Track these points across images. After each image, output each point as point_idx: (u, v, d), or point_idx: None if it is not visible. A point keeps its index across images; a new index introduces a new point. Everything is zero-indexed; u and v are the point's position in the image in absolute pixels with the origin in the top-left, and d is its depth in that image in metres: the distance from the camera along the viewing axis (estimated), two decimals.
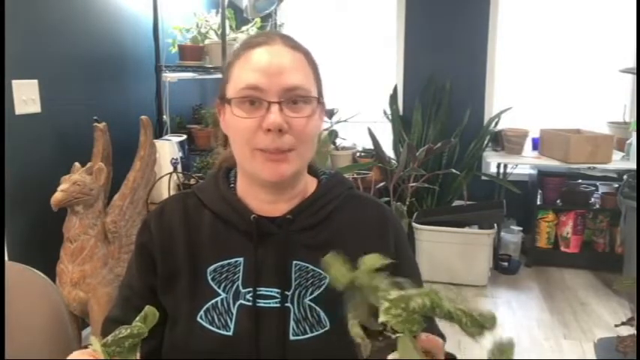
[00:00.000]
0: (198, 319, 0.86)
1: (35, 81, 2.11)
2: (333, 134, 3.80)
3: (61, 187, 1.97)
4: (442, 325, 2.64)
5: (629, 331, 2.28)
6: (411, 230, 3.38)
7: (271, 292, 0.86)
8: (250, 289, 0.86)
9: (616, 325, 2.47)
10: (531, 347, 2.67)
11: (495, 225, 3.47)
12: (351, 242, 0.88)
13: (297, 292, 0.86)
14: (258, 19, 3.21)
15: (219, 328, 0.85)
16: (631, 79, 3.73)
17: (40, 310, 1.10)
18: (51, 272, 2.02)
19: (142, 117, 2.32)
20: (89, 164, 2.10)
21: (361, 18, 4.13)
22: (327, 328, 0.85)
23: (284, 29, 3.94)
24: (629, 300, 2.87)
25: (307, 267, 0.87)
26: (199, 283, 0.88)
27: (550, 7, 3.86)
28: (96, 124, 2.15)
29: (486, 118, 3.95)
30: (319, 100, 0.88)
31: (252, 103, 0.82)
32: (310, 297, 0.86)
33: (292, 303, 0.85)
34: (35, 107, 2.11)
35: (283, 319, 0.84)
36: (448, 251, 3.37)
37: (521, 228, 3.82)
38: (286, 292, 0.86)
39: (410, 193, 2.88)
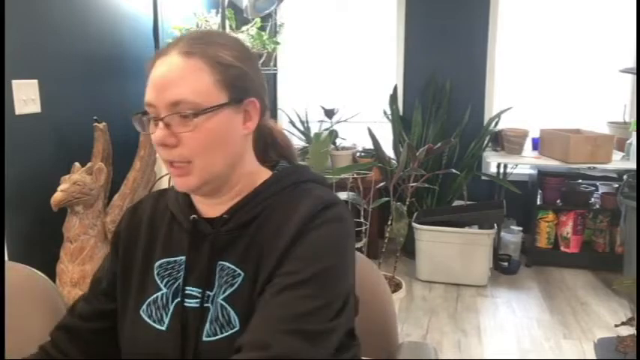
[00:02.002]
0: (141, 312, 0.89)
1: (35, 81, 2.10)
2: (333, 134, 3.80)
3: (61, 187, 1.97)
4: (442, 323, 2.66)
5: (629, 331, 2.28)
6: (411, 230, 3.38)
7: (194, 291, 0.87)
8: (187, 287, 0.88)
9: (616, 325, 2.47)
10: (531, 347, 2.67)
11: (495, 225, 3.46)
12: (266, 242, 0.84)
13: (216, 292, 0.85)
14: (258, 19, 3.21)
15: (155, 322, 0.87)
16: (631, 79, 3.73)
17: (40, 310, 1.10)
18: (51, 272, 2.02)
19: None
20: (89, 164, 2.10)
21: (361, 18, 4.13)
22: (236, 329, 0.82)
23: (284, 29, 3.94)
24: (629, 300, 2.87)
25: (228, 266, 0.86)
26: (147, 278, 0.91)
27: (550, 7, 3.86)
28: (96, 124, 2.15)
29: (486, 118, 3.95)
30: (228, 104, 0.83)
31: (153, 118, 0.84)
32: (223, 296, 0.84)
33: (211, 303, 0.85)
34: (35, 107, 2.11)
35: (201, 319, 0.84)
36: (448, 251, 3.37)
37: (521, 228, 3.82)
38: (208, 292, 0.86)
39: (410, 193, 2.88)
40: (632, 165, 3.27)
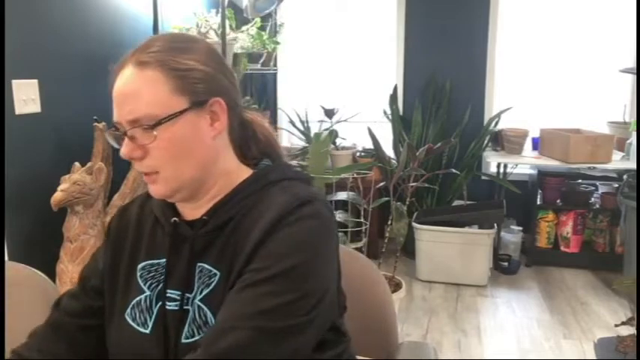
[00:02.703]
0: (126, 315, 0.89)
1: (35, 81, 2.10)
2: (333, 134, 3.80)
3: (61, 186, 1.97)
4: (442, 323, 2.65)
5: (629, 331, 2.28)
6: (411, 230, 3.38)
7: (173, 294, 0.87)
8: (168, 290, 0.87)
9: (616, 325, 2.47)
10: (531, 347, 2.67)
11: (495, 225, 3.46)
12: (240, 241, 0.83)
13: (195, 293, 0.85)
14: (258, 19, 3.21)
15: (139, 325, 0.87)
16: (631, 79, 3.73)
17: (40, 310, 1.10)
18: (51, 272, 2.02)
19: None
20: (89, 164, 2.10)
21: (361, 18, 4.13)
22: None
23: (284, 29, 3.94)
24: (629, 300, 2.87)
25: (205, 267, 0.85)
26: (131, 280, 0.91)
27: (550, 6, 3.86)
28: (96, 124, 2.15)
29: (486, 118, 3.95)
30: (190, 109, 0.82)
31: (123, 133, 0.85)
32: (200, 297, 0.84)
33: (191, 305, 0.85)
34: (35, 107, 2.11)
35: (180, 321, 0.84)
36: (448, 251, 3.37)
37: (521, 228, 3.82)
38: (187, 295, 0.85)
39: (410, 193, 2.88)
40: (632, 165, 3.27)
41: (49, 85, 2.17)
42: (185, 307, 0.85)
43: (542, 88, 3.94)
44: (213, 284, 0.83)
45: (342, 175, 2.98)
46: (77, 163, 2.08)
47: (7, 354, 0.95)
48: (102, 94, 2.72)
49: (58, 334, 0.94)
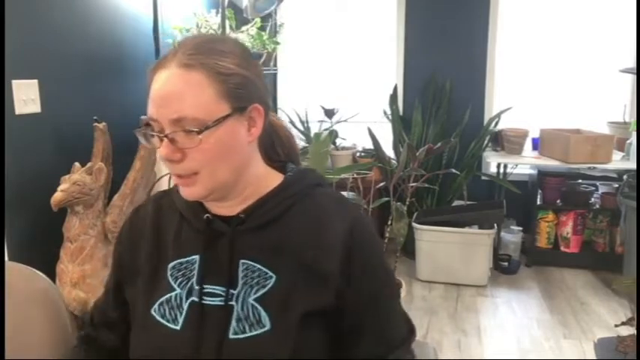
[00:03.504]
0: (152, 311, 0.89)
1: (35, 81, 2.10)
2: (333, 134, 3.80)
3: (61, 187, 1.97)
4: (442, 322, 2.65)
5: (629, 331, 2.28)
6: (411, 230, 3.38)
7: (216, 290, 0.87)
8: (205, 286, 0.88)
9: (616, 325, 2.47)
10: (531, 347, 2.67)
11: (495, 225, 3.47)
12: (301, 247, 0.88)
13: (242, 290, 0.86)
14: (258, 19, 3.21)
15: (168, 321, 0.87)
16: (631, 79, 3.73)
17: (40, 310, 1.10)
18: (51, 272, 2.02)
19: (143, 117, 2.32)
20: (89, 164, 2.10)
21: (361, 18, 4.13)
22: (266, 329, 0.84)
23: (284, 29, 3.94)
24: (629, 300, 2.87)
25: (254, 266, 0.87)
26: (158, 279, 0.92)
27: (550, 6, 3.86)
28: (96, 124, 2.15)
29: (486, 118, 3.95)
30: (231, 115, 0.83)
31: (157, 131, 0.84)
32: (254, 296, 0.86)
33: (237, 302, 0.86)
34: (35, 107, 2.11)
35: (225, 317, 0.85)
36: (448, 251, 3.37)
37: (521, 228, 3.82)
38: (232, 291, 0.86)
39: (410, 193, 2.88)
40: (632, 165, 3.27)
41: (49, 85, 2.17)
42: (230, 303, 0.86)
43: (542, 88, 3.94)
44: (269, 286, 0.86)
45: (342, 176, 2.99)
46: (77, 163, 2.07)
47: (7, 354, 0.95)
48: (102, 94, 2.74)
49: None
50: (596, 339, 2.53)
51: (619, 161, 3.40)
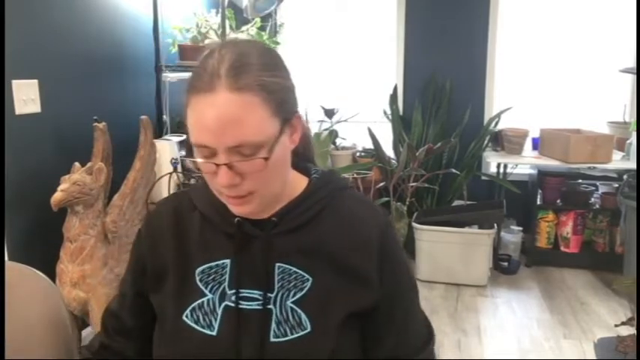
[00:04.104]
0: (184, 317, 0.87)
1: (35, 81, 2.11)
2: (333, 134, 3.80)
3: (61, 187, 1.97)
4: (442, 322, 2.64)
5: (629, 331, 2.28)
6: (411, 230, 3.38)
7: (253, 293, 0.86)
8: (235, 290, 0.87)
9: (616, 325, 2.47)
10: (531, 347, 2.67)
11: (495, 225, 3.46)
12: (337, 246, 0.88)
13: (279, 294, 0.86)
14: (258, 19, 3.21)
15: (203, 327, 0.86)
16: (631, 78, 3.73)
17: (40, 310, 1.09)
18: (51, 272, 2.02)
19: (142, 117, 2.32)
20: (89, 164, 2.10)
21: (361, 18, 4.13)
22: (307, 331, 0.84)
23: (284, 29, 3.94)
24: (629, 300, 2.87)
25: (290, 269, 0.87)
26: (187, 284, 0.89)
27: (550, 6, 3.86)
28: (96, 124, 2.15)
29: (486, 118, 3.95)
30: (282, 129, 0.81)
31: (207, 156, 0.80)
32: (293, 299, 0.86)
33: (275, 305, 0.85)
34: (35, 107, 2.11)
35: (264, 320, 0.84)
36: (448, 251, 3.37)
37: (521, 228, 3.82)
38: (269, 295, 0.86)
39: (410, 193, 2.88)
40: (632, 165, 3.27)
41: (49, 85, 2.17)
42: (268, 307, 0.85)
43: (542, 88, 3.94)
44: (306, 288, 0.86)
45: (342, 175, 2.99)
46: (77, 163, 2.08)
47: (7, 354, 0.95)
48: (102, 94, 2.74)
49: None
50: (596, 339, 2.53)
51: (619, 161, 3.40)
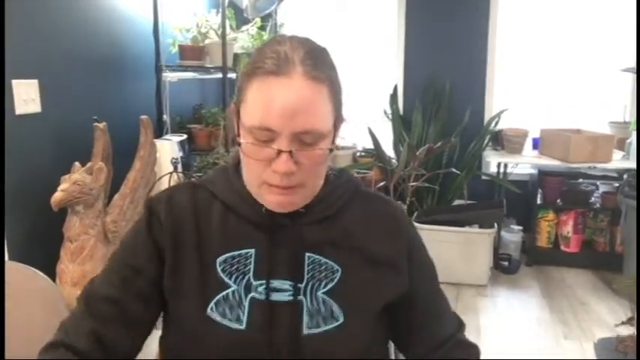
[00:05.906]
0: (209, 311, 0.83)
1: (35, 81, 2.10)
2: None
3: (61, 186, 1.97)
4: None
5: (629, 331, 2.28)
6: None
7: (284, 284, 0.84)
8: (262, 281, 0.84)
9: (616, 325, 2.47)
10: (531, 347, 2.66)
11: (495, 224, 3.47)
12: (362, 238, 0.90)
13: (309, 284, 0.85)
14: (258, 19, 3.21)
15: (231, 321, 0.82)
16: (631, 78, 3.73)
17: (40, 310, 1.10)
18: (51, 272, 2.02)
19: (142, 117, 2.33)
20: (89, 164, 2.10)
21: (361, 18, 4.13)
22: (340, 322, 0.84)
23: (284, 29, 3.94)
24: (629, 300, 2.87)
25: (320, 259, 0.86)
26: (208, 275, 0.85)
27: (550, 6, 3.86)
28: (96, 124, 2.15)
29: (486, 118, 3.95)
30: (336, 125, 0.84)
31: (264, 140, 0.78)
32: (324, 290, 0.85)
33: (305, 296, 0.84)
34: (35, 107, 2.11)
35: (296, 312, 0.83)
36: (448, 251, 3.37)
37: (521, 227, 3.82)
38: (299, 285, 0.84)
39: (410, 193, 2.88)
40: (633, 164, 3.27)
41: (49, 85, 2.17)
42: (299, 298, 0.84)
43: (542, 88, 3.94)
44: (336, 279, 0.86)
45: None
46: (77, 163, 2.08)
47: (7, 354, 0.95)
48: (102, 94, 2.74)
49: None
50: (596, 339, 2.53)
51: (619, 160, 3.40)
